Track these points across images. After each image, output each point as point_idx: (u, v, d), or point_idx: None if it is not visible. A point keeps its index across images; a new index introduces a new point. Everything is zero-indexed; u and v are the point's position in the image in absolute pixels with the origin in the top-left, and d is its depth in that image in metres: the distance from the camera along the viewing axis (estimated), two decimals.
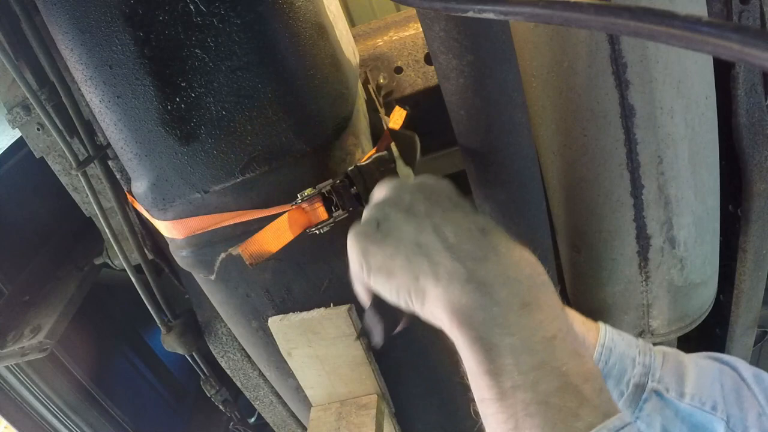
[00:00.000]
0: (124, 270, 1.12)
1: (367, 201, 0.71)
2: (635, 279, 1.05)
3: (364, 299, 0.58)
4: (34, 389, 1.49)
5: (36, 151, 1.12)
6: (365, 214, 0.57)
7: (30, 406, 1.51)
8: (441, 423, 1.02)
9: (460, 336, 0.46)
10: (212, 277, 0.78)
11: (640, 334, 1.11)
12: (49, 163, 1.14)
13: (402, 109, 1.11)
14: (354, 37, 1.03)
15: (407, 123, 1.14)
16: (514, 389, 0.41)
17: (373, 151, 0.76)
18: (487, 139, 0.71)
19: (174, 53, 0.60)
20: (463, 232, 0.48)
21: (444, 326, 0.48)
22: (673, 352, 0.64)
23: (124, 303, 1.97)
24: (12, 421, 1.49)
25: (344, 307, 0.79)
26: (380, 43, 1.18)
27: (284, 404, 1.44)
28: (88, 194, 0.99)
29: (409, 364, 0.92)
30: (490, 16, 0.35)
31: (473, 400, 0.48)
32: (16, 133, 1.30)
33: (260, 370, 1.32)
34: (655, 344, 0.74)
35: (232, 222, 0.71)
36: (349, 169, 0.70)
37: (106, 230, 1.05)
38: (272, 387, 1.41)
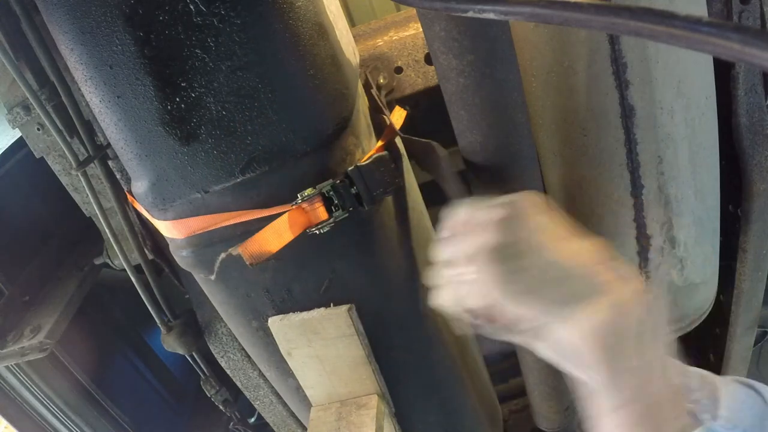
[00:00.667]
0: (124, 270, 1.12)
1: (367, 201, 0.71)
2: None
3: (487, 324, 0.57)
4: (34, 389, 1.49)
5: (36, 151, 1.12)
6: (480, 240, 0.53)
7: (30, 406, 1.51)
8: (441, 423, 1.02)
9: (594, 355, 0.49)
10: (212, 277, 0.78)
11: None
12: (49, 163, 1.14)
13: (402, 109, 1.11)
14: (354, 37, 1.03)
15: (407, 123, 1.14)
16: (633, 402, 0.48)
17: (373, 151, 0.76)
18: (487, 139, 0.71)
19: (174, 53, 0.60)
20: (593, 255, 0.53)
21: (576, 347, 0.50)
22: (709, 375, 0.69)
23: (124, 303, 1.97)
24: (12, 421, 1.49)
25: (344, 307, 0.79)
26: (380, 43, 1.18)
27: (284, 404, 1.44)
28: (88, 194, 0.99)
29: (409, 364, 0.92)
30: (490, 16, 0.35)
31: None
32: (16, 133, 1.30)
33: (260, 370, 1.32)
34: None
35: (232, 222, 0.71)
36: (349, 169, 0.70)
37: (106, 230, 1.05)
38: (272, 387, 1.41)
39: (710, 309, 1.17)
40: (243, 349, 1.32)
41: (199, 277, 0.82)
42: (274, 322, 0.82)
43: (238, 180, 0.68)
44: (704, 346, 1.63)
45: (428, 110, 1.24)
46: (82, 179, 0.98)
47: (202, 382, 1.41)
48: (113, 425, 1.70)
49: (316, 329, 0.81)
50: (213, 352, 1.34)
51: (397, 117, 1.09)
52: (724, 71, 1.06)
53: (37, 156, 1.13)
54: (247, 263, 0.69)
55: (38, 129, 1.09)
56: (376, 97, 0.99)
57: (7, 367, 1.41)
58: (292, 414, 1.45)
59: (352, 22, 1.42)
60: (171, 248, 0.81)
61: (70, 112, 0.92)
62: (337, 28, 0.76)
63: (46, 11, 0.61)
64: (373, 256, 0.80)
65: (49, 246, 1.57)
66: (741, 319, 1.45)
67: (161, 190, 0.71)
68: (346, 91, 0.73)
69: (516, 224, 0.54)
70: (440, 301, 0.59)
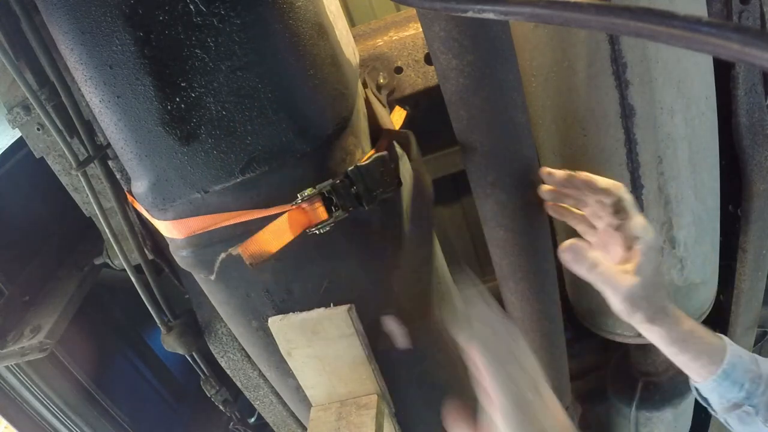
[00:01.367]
0: (124, 270, 1.12)
1: (367, 201, 0.71)
2: None
3: None
4: (34, 389, 1.49)
5: (36, 151, 1.12)
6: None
7: (30, 406, 1.51)
8: (441, 423, 1.02)
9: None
10: (212, 277, 0.78)
11: (640, 334, 1.11)
12: (49, 163, 1.14)
13: (402, 109, 1.11)
14: (354, 37, 1.03)
15: (407, 123, 1.14)
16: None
17: (373, 151, 0.77)
18: (487, 139, 0.71)
19: (174, 53, 0.60)
20: None
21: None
22: None
23: (124, 303, 1.97)
24: (12, 421, 1.49)
25: (344, 307, 0.79)
26: (380, 43, 1.18)
27: (284, 404, 1.44)
28: (88, 194, 0.99)
29: (410, 364, 0.92)
30: (490, 16, 0.35)
31: None
32: (16, 133, 1.30)
33: (260, 370, 1.33)
34: None
35: (232, 222, 0.71)
36: (349, 169, 0.70)
37: (106, 230, 1.05)
38: (272, 387, 1.41)
39: (710, 309, 1.17)
40: (243, 349, 1.32)
41: (199, 277, 0.82)
42: (274, 322, 0.82)
43: (238, 180, 0.68)
44: None
45: (428, 110, 1.24)
46: (82, 179, 0.98)
47: (202, 382, 1.41)
48: (113, 425, 1.70)
49: (316, 329, 0.81)
50: (213, 352, 1.34)
51: (397, 117, 1.09)
52: (724, 71, 1.06)
53: (37, 156, 1.13)
54: (247, 263, 0.69)
55: (38, 129, 1.09)
56: (376, 97, 0.99)
57: (7, 367, 1.41)
58: (292, 414, 1.45)
59: (352, 22, 1.42)
60: (171, 248, 0.81)
61: (70, 112, 0.92)
62: (337, 28, 0.76)
63: (46, 11, 0.60)
64: (373, 256, 0.80)
65: (49, 246, 1.57)
66: (741, 319, 1.45)
67: (161, 190, 0.71)
68: (346, 91, 0.73)
69: None
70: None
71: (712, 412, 0.86)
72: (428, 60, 1.19)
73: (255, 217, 0.70)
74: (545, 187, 0.80)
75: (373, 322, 0.81)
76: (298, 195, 0.68)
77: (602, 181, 0.75)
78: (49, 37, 0.67)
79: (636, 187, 0.94)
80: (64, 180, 1.16)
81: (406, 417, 0.96)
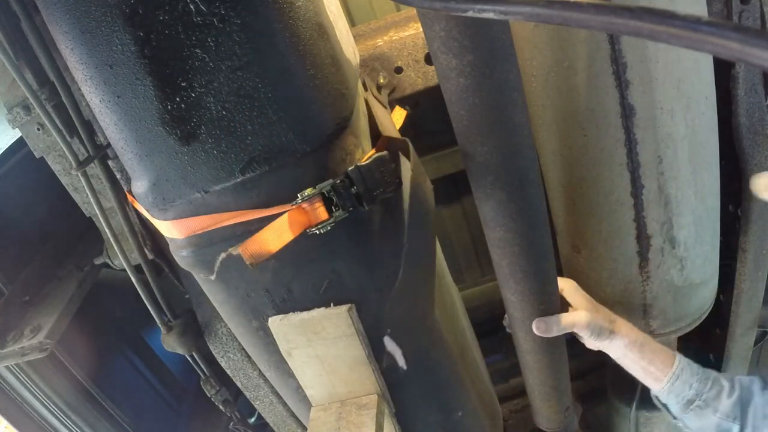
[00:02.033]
0: (124, 270, 1.12)
1: (367, 201, 0.71)
2: (635, 279, 1.05)
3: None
4: (34, 389, 1.49)
5: (36, 151, 1.12)
6: None
7: (30, 406, 1.51)
8: (441, 423, 1.02)
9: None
10: (212, 277, 0.78)
11: None
12: (49, 163, 1.14)
13: (402, 109, 1.11)
14: (354, 37, 1.03)
15: (407, 123, 1.14)
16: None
17: (373, 151, 0.76)
18: (487, 139, 0.71)
19: (174, 53, 0.60)
20: None
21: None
22: (718, 375, 0.97)
23: (124, 303, 1.97)
24: (12, 421, 1.49)
25: (344, 307, 0.79)
26: (380, 43, 1.18)
27: (284, 404, 1.44)
28: (88, 194, 0.99)
29: (409, 364, 0.92)
30: (490, 15, 0.35)
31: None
32: (16, 133, 1.30)
33: (260, 370, 1.33)
34: None
35: (232, 222, 0.71)
36: (349, 169, 0.70)
37: (106, 230, 1.05)
38: (272, 387, 1.41)
39: (710, 309, 1.17)
40: (243, 349, 1.32)
41: (199, 277, 0.82)
42: (274, 322, 0.82)
43: (238, 180, 0.68)
44: (704, 346, 1.63)
45: (428, 110, 1.24)
46: (82, 179, 0.97)
47: (202, 382, 1.41)
48: (113, 425, 1.70)
49: (316, 329, 0.81)
50: (213, 352, 1.34)
51: (397, 117, 1.09)
52: (724, 71, 1.06)
53: (37, 156, 1.13)
54: (247, 263, 0.69)
55: (38, 129, 1.09)
56: (376, 98, 0.99)
57: (7, 367, 1.41)
58: (292, 414, 1.45)
59: (352, 22, 1.42)
60: (171, 248, 0.81)
61: (70, 112, 0.92)
62: (337, 28, 0.76)
63: (46, 11, 0.60)
64: (373, 256, 0.80)
65: (49, 246, 1.57)
66: (741, 319, 1.45)
67: (161, 190, 0.71)
68: (346, 91, 0.73)
69: None
70: None
71: (672, 418, 1.01)
72: (428, 60, 1.19)
73: (255, 217, 0.70)
74: None
75: (373, 323, 0.81)
76: (298, 195, 0.68)
77: None
78: (49, 37, 0.67)
79: (636, 187, 0.94)
80: (64, 180, 1.16)
81: (406, 417, 0.96)
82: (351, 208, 0.70)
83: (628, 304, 1.09)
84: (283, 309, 0.82)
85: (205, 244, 0.75)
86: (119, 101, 0.63)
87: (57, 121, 0.92)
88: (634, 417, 1.54)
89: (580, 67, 0.86)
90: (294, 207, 0.69)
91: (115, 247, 1.08)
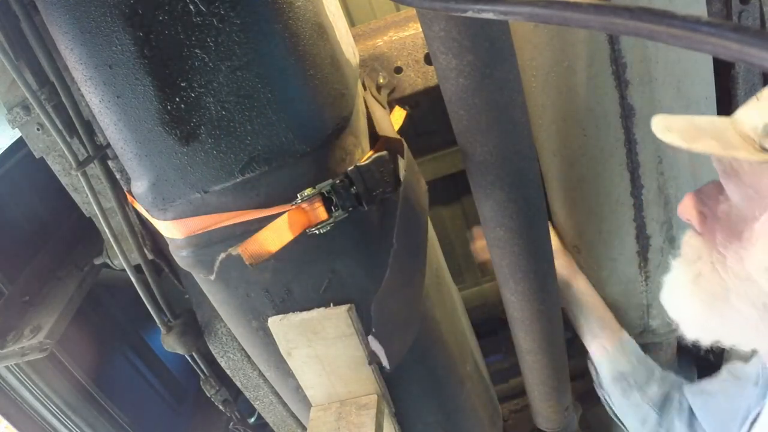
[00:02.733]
0: (124, 270, 1.12)
1: (367, 201, 0.71)
2: (635, 279, 1.05)
3: None
4: (34, 389, 1.49)
5: (36, 151, 1.12)
6: None
7: (30, 406, 1.51)
8: (441, 423, 1.02)
9: None
10: (212, 277, 0.78)
11: (640, 334, 1.11)
12: (49, 163, 1.14)
13: (402, 109, 1.11)
14: (354, 37, 1.03)
15: (407, 123, 1.14)
16: None
17: (373, 151, 0.76)
18: (487, 139, 0.71)
19: (174, 53, 0.60)
20: None
21: None
22: (654, 365, 1.05)
23: (124, 303, 1.97)
24: (12, 421, 1.49)
25: (344, 307, 0.79)
26: (380, 43, 1.18)
27: (284, 404, 1.44)
28: (88, 194, 0.99)
29: (409, 364, 0.92)
30: (490, 15, 0.35)
31: None
32: (16, 133, 1.30)
33: (260, 370, 1.32)
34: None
35: (232, 222, 0.71)
36: (349, 169, 0.70)
37: (106, 230, 1.05)
38: (272, 387, 1.41)
39: None
40: (243, 349, 1.31)
41: (198, 277, 0.82)
42: (274, 322, 0.82)
43: (238, 180, 0.68)
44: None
45: (428, 110, 1.24)
46: (82, 179, 0.97)
47: (202, 382, 1.41)
48: (113, 425, 1.70)
49: (316, 329, 0.81)
50: (213, 352, 1.34)
51: (397, 117, 1.09)
52: (724, 71, 1.06)
53: (37, 156, 1.13)
54: (247, 263, 0.69)
55: (38, 129, 1.09)
56: (376, 99, 0.99)
57: (7, 367, 1.41)
58: (292, 414, 1.45)
59: (352, 22, 1.42)
60: (171, 248, 0.81)
61: (70, 112, 0.92)
62: (337, 28, 0.76)
63: (45, 11, 0.60)
64: (373, 256, 0.79)
65: (48, 246, 1.57)
66: None
67: (161, 190, 0.71)
68: (345, 91, 0.73)
69: None
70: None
71: (597, 384, 1.07)
72: (428, 60, 1.19)
73: (255, 217, 0.70)
74: None
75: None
76: (298, 195, 0.68)
77: None
78: (49, 37, 0.67)
79: (636, 187, 0.94)
80: (64, 180, 1.16)
81: (406, 417, 0.96)
82: (351, 208, 0.70)
83: (628, 304, 1.09)
84: (282, 309, 0.82)
85: (205, 244, 0.75)
86: (119, 101, 0.63)
87: (57, 122, 0.92)
88: None
89: (580, 67, 0.86)
90: (294, 207, 0.69)
91: (115, 247, 1.08)
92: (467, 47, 0.62)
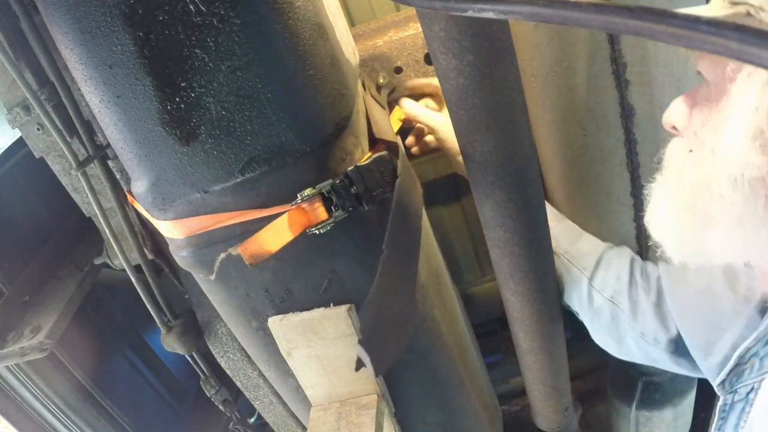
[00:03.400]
0: (124, 270, 1.12)
1: (367, 201, 0.71)
2: None
3: None
4: (34, 389, 1.49)
5: (36, 151, 1.12)
6: None
7: (30, 406, 1.51)
8: (441, 423, 1.02)
9: None
10: (212, 277, 0.78)
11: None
12: (49, 163, 1.14)
13: (402, 110, 1.11)
14: (354, 37, 1.03)
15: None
16: None
17: (373, 151, 0.76)
18: (487, 139, 0.71)
19: (174, 53, 0.60)
20: None
21: None
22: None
23: (124, 303, 1.97)
24: (12, 421, 1.49)
25: (344, 307, 0.79)
26: (380, 43, 1.18)
27: (284, 404, 1.44)
28: (88, 194, 0.99)
29: (409, 364, 0.92)
30: (490, 15, 0.35)
31: None
32: (16, 133, 1.30)
33: (260, 370, 1.32)
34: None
35: (232, 222, 0.71)
36: (349, 169, 0.70)
37: (106, 230, 1.05)
38: (272, 387, 1.41)
39: None
40: (243, 349, 1.32)
41: (198, 277, 0.82)
42: (274, 322, 0.82)
43: (238, 180, 0.68)
44: None
45: None
46: (82, 179, 0.97)
47: (202, 382, 1.41)
48: (113, 425, 1.70)
49: (316, 329, 0.81)
50: (213, 352, 1.34)
51: (398, 117, 1.09)
52: None
53: (37, 156, 1.13)
54: (247, 263, 0.69)
55: (38, 129, 1.09)
56: (375, 99, 0.99)
57: (7, 367, 1.41)
58: (292, 414, 1.45)
59: (352, 22, 1.42)
60: (171, 248, 0.81)
61: (70, 112, 0.92)
62: (337, 28, 0.76)
63: (45, 11, 0.60)
64: (373, 256, 0.79)
65: (49, 246, 1.57)
66: None
67: (161, 190, 0.71)
68: (345, 91, 0.73)
69: None
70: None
71: (582, 311, 1.00)
72: (428, 60, 1.19)
73: (255, 217, 0.70)
74: None
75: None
76: (298, 195, 0.68)
77: None
78: (49, 37, 0.67)
79: (636, 187, 0.94)
80: (64, 180, 1.16)
81: (406, 417, 0.96)
82: (351, 208, 0.70)
83: None
84: (282, 309, 0.82)
85: (205, 244, 0.75)
86: (119, 101, 0.63)
87: (57, 122, 0.92)
88: (634, 417, 1.53)
89: (580, 67, 0.86)
90: (294, 207, 0.69)
91: (115, 247, 1.08)
92: (467, 47, 0.62)
